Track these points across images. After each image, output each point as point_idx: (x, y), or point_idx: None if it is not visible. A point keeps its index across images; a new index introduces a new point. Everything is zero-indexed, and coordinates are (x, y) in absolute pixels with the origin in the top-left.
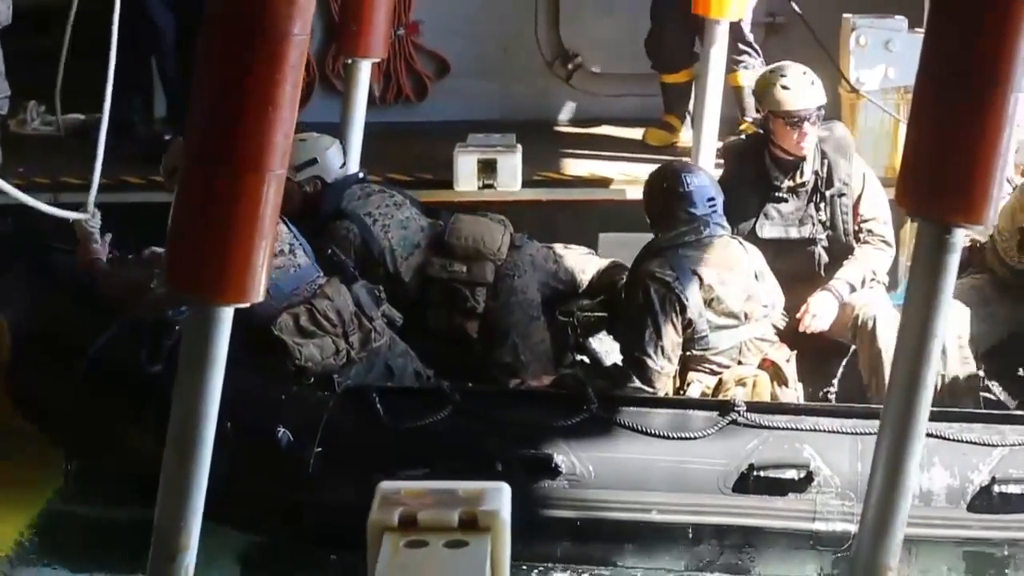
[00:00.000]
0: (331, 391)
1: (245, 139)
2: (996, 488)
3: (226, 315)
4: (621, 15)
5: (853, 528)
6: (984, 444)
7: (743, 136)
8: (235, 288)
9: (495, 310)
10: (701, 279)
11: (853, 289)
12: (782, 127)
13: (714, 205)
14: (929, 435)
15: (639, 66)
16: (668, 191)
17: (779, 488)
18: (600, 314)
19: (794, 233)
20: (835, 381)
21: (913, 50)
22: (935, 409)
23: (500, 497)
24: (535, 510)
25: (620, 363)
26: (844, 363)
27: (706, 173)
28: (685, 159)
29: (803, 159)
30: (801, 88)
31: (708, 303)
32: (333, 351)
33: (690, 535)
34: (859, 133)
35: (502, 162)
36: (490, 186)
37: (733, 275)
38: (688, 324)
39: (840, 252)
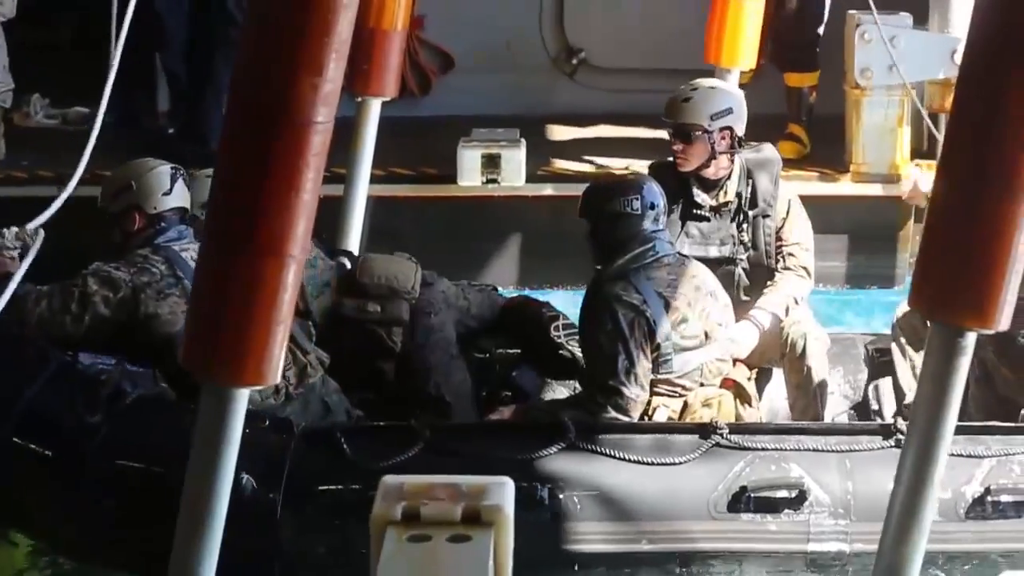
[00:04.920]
0: (289, 433)
1: (267, 225)
2: (990, 498)
3: (242, 396)
4: (626, 10)
5: (847, 547)
6: (972, 456)
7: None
8: (252, 371)
9: (414, 350)
10: (667, 301)
11: (777, 319)
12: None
13: (661, 218)
14: None
15: (643, 61)
16: (621, 215)
17: (773, 508)
18: (515, 350)
19: (714, 252)
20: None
21: (917, 47)
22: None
23: (503, 492)
24: (522, 545)
25: (582, 391)
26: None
27: (649, 179)
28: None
29: (725, 179)
30: (672, 101)
31: (674, 325)
32: (272, 390)
33: (683, 562)
34: (863, 130)
35: (506, 157)
36: (494, 181)
37: (694, 295)
38: (656, 348)
39: (760, 274)
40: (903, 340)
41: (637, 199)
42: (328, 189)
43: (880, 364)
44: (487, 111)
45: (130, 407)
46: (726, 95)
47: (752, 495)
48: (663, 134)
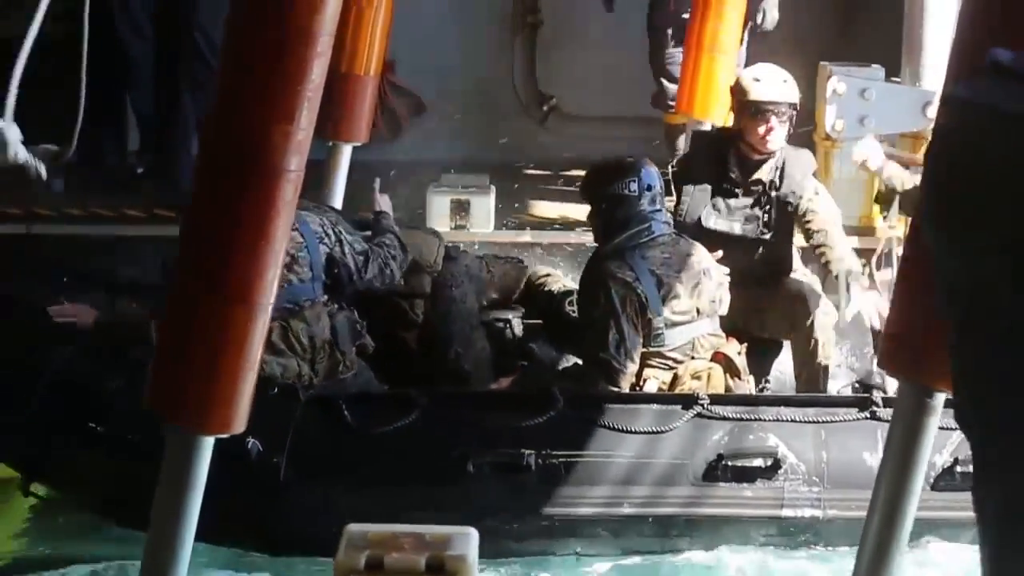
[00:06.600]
0: (295, 400)
1: (236, 272)
2: (959, 468)
3: (207, 443)
4: (597, 58)
5: (820, 513)
6: (943, 428)
7: (714, 129)
8: (218, 419)
9: (435, 321)
10: (659, 278)
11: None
12: (749, 119)
13: (658, 199)
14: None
15: (615, 109)
16: (620, 197)
17: (748, 476)
18: (535, 321)
19: (738, 229)
20: (768, 377)
21: (889, 99)
22: (888, 397)
23: (467, 542)
24: (508, 509)
25: (579, 364)
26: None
27: (647, 162)
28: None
29: (763, 161)
30: (770, 82)
31: (665, 301)
32: (296, 374)
33: (661, 526)
34: (833, 182)
35: (475, 203)
36: (463, 227)
37: (687, 273)
38: (647, 323)
39: (776, 258)
40: None
41: (634, 181)
42: None
43: None
44: (457, 156)
45: None
46: None
47: (729, 463)
48: None
